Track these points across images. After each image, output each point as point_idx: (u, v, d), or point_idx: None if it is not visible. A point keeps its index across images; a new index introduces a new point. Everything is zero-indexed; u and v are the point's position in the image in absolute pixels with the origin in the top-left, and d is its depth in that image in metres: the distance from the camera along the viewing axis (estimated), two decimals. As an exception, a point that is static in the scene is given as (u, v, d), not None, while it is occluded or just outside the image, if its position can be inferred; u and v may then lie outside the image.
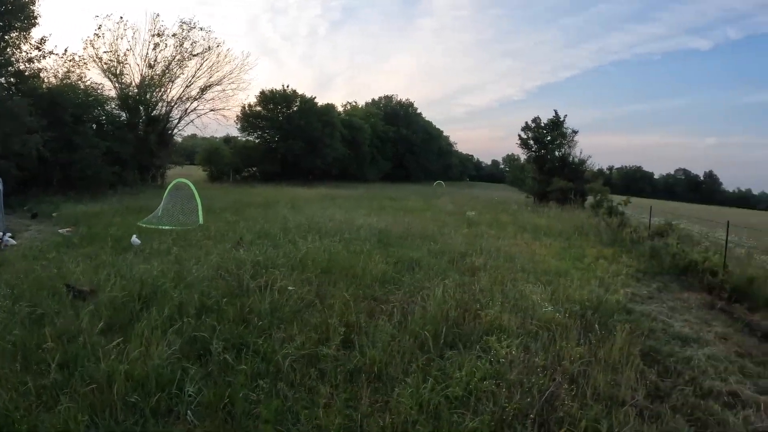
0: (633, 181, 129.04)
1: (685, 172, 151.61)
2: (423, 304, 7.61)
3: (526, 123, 42.01)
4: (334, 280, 8.83)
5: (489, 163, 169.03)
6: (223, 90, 40.71)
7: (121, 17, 37.16)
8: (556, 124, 40.57)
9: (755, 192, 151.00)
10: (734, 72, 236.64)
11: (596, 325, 7.36)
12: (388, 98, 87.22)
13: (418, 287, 8.83)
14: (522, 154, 44.75)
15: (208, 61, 38.60)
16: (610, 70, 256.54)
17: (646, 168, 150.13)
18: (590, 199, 28.96)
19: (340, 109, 69.70)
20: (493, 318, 7.21)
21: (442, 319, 6.90)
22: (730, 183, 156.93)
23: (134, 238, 11.86)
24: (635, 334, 7.33)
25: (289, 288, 7.93)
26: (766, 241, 17.66)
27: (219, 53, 39.37)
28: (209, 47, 38.29)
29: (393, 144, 77.13)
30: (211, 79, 39.48)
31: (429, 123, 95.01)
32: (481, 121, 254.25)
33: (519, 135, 42.21)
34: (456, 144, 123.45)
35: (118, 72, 32.91)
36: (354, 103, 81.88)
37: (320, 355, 5.64)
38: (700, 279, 12.35)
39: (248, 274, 8.52)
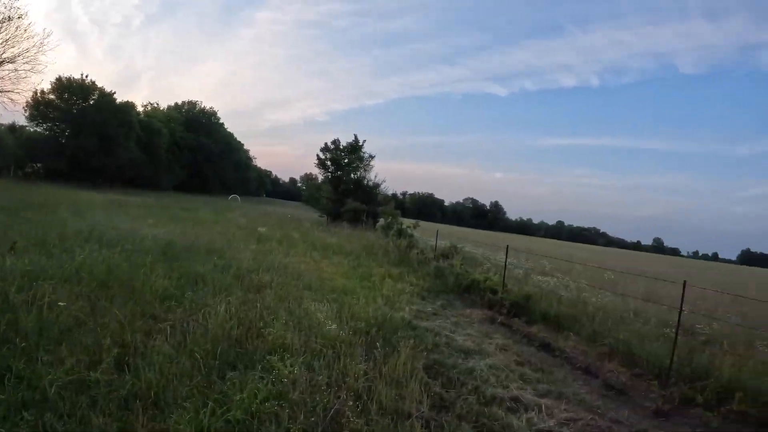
0: (425, 207, 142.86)
1: (473, 201, 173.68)
2: (204, 322, 7.35)
3: (326, 144, 44.41)
4: (112, 296, 8.14)
5: (287, 180, 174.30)
6: (16, 70, 35.70)
7: None
8: (355, 147, 43.43)
9: (535, 221, 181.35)
10: (525, 118, 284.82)
11: (380, 342, 7.66)
12: (192, 104, 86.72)
13: (201, 304, 8.41)
14: (319, 174, 47.19)
15: (5, 32, 33.72)
16: (412, 104, 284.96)
17: (438, 195, 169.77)
18: (381, 221, 30.93)
19: (140, 108, 68.13)
20: (277, 336, 7.13)
21: (223, 338, 6.72)
22: (513, 213, 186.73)
23: None
24: (419, 349, 7.80)
25: (60, 303, 7.09)
26: (542, 264, 20.39)
27: (19, 26, 34.56)
28: (9, 17, 33.56)
29: (191, 152, 76.41)
30: (4, 55, 34.45)
31: (231, 134, 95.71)
32: (283, 137, 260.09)
33: (318, 155, 44.34)
34: (256, 158, 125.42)
35: None
36: (156, 105, 79.92)
37: (91, 380, 5.12)
38: (482, 296, 13.86)
39: (14, 287, 7.41)
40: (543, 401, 6.50)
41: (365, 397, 5.60)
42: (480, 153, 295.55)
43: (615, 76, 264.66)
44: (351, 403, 5.32)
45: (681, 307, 8.84)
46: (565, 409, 6.37)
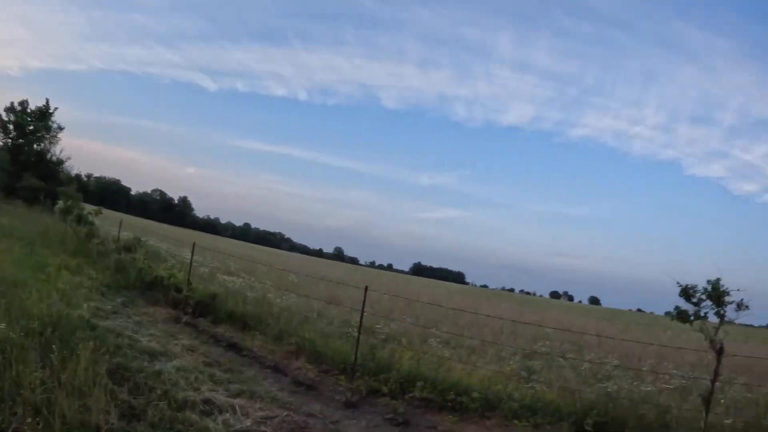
0: (110, 193, 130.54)
1: (162, 193, 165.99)
2: None
3: (12, 104, 37.93)
4: None
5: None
6: None
7: None
8: (45, 114, 38.10)
9: (223, 221, 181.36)
10: (229, 117, 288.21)
11: (57, 344, 6.79)
12: None
13: None
14: (-1, 139, 39.40)
15: None
16: (117, 79, 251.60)
17: (125, 182, 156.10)
18: (61, 203, 27.67)
19: None
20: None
21: None
22: (202, 210, 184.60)
23: None
24: (101, 352, 7.07)
25: None
26: (228, 263, 20.55)
27: None
28: None
29: None
30: None
31: None
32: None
33: (0, 115, 37.41)
34: None
35: None
36: None
37: None
38: (166, 294, 13.45)
39: None
40: (236, 401, 6.60)
41: (46, 412, 4.91)
42: (177, 144, 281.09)
43: (323, 95, 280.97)
44: (30, 419, 4.65)
45: (363, 308, 9.93)
46: (259, 408, 6.60)
